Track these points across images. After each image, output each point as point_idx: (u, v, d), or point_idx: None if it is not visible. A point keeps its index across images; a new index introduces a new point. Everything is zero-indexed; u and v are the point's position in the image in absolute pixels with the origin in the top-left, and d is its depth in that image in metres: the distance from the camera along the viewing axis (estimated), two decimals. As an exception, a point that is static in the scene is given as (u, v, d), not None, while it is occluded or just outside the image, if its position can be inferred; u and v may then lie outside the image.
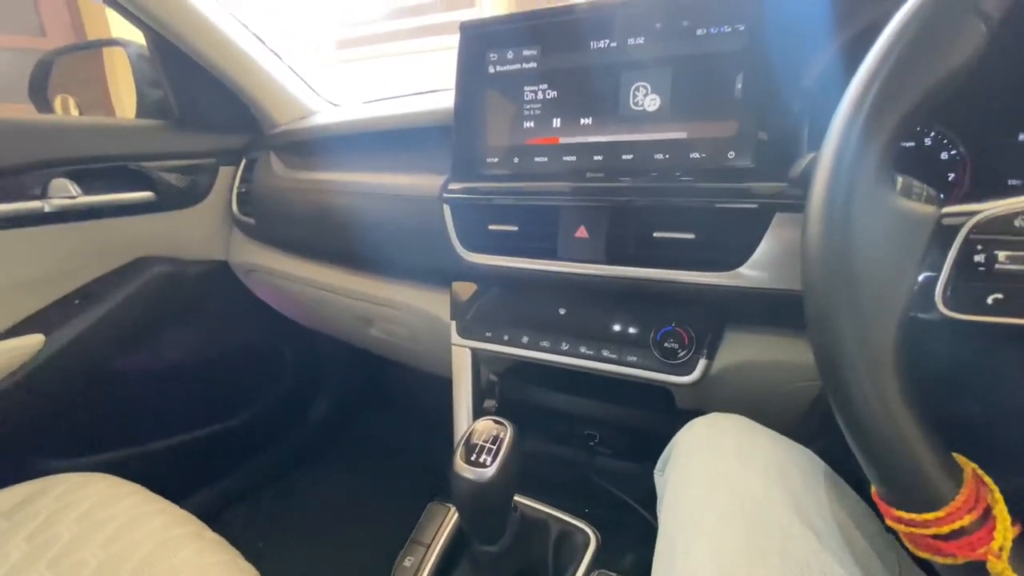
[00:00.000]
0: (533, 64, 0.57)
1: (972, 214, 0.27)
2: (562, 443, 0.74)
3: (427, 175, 0.68)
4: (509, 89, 0.58)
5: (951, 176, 0.47)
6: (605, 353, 0.58)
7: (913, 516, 0.26)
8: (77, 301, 0.87)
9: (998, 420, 0.34)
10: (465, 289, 0.69)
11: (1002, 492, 0.26)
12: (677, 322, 0.55)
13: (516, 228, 0.60)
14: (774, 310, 0.50)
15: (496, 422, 0.49)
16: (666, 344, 0.55)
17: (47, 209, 0.79)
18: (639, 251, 0.53)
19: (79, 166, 0.83)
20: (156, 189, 0.90)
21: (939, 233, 0.28)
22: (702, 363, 0.54)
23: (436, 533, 0.58)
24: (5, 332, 0.80)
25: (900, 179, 0.29)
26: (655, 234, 0.52)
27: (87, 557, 0.53)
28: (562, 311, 0.62)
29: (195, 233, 0.99)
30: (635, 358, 0.57)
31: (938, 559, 0.26)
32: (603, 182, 0.54)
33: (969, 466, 0.27)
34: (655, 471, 0.48)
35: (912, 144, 0.48)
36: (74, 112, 1.00)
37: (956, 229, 0.28)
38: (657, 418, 0.64)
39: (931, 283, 0.28)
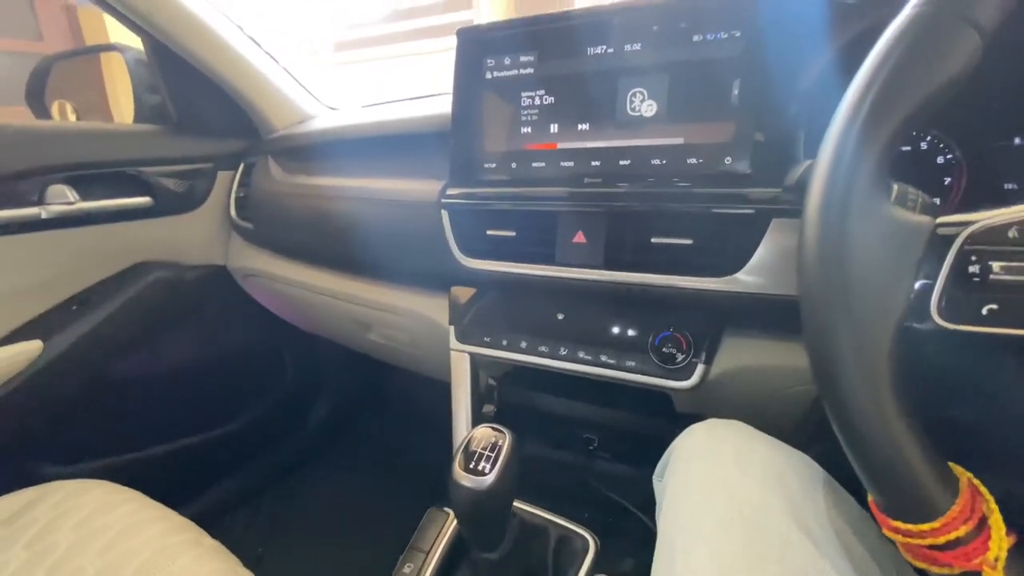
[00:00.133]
0: (530, 70, 0.57)
1: (967, 224, 0.28)
2: (561, 447, 0.74)
3: (425, 180, 0.68)
4: (507, 95, 0.58)
5: (947, 180, 0.47)
6: (603, 358, 0.58)
7: (909, 526, 0.26)
8: (75, 307, 0.86)
9: (993, 427, 0.34)
10: (464, 294, 0.69)
11: (997, 499, 0.26)
12: (675, 327, 0.55)
13: (514, 233, 0.60)
14: (772, 315, 0.50)
15: (495, 429, 0.49)
16: (664, 349, 0.55)
17: (45, 215, 0.79)
18: (637, 256, 0.53)
19: (77, 172, 0.83)
20: (154, 194, 0.90)
21: (934, 243, 0.28)
22: (700, 368, 0.54)
23: (435, 539, 0.58)
24: (3, 339, 0.80)
25: (895, 187, 0.29)
26: (653, 239, 0.52)
27: (84, 565, 0.53)
28: (560, 316, 0.62)
29: (193, 238, 0.99)
30: (633, 363, 0.57)
31: (934, 569, 0.26)
32: (601, 187, 0.54)
33: (965, 476, 0.27)
34: (654, 477, 0.48)
35: (908, 148, 0.48)
36: (71, 117, 1.00)
37: (951, 239, 0.28)
38: (656, 422, 0.64)
39: (926, 292, 0.28)
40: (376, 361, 1.02)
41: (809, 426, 0.54)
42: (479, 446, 0.47)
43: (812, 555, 0.32)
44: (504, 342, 0.64)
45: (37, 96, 1.01)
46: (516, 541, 0.51)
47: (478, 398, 0.70)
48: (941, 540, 0.25)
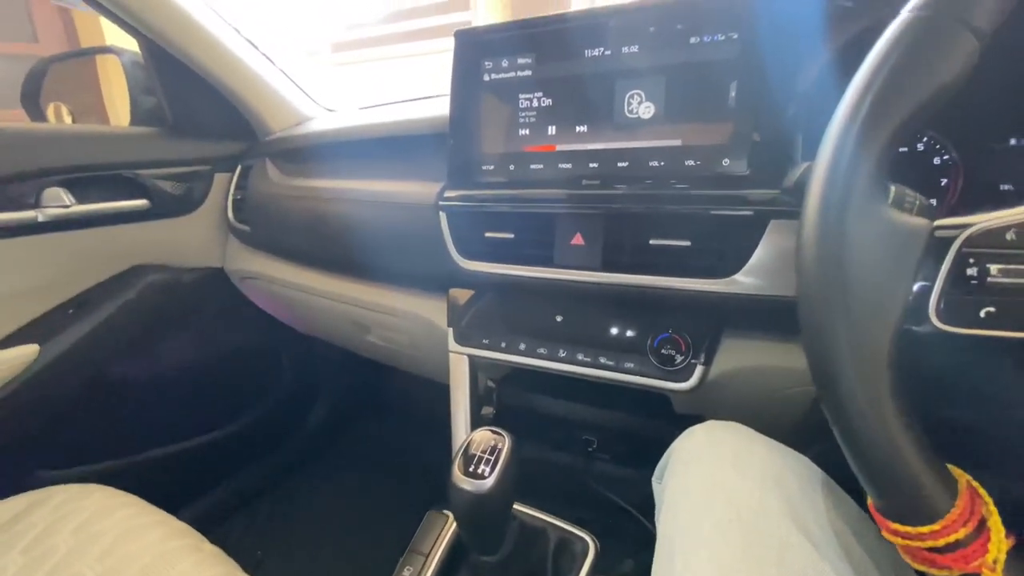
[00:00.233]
0: (528, 72, 0.57)
1: (964, 227, 0.28)
2: (560, 449, 0.74)
3: (423, 182, 0.68)
4: (504, 97, 0.58)
5: (943, 181, 0.47)
6: (602, 360, 0.58)
7: (908, 529, 0.26)
8: (72, 310, 0.86)
9: (992, 428, 0.34)
10: (462, 296, 0.69)
11: (996, 500, 0.26)
12: (674, 329, 0.55)
13: (512, 235, 0.60)
14: (770, 316, 0.50)
15: (494, 432, 0.49)
16: (663, 351, 0.55)
17: (41, 218, 0.78)
18: (635, 258, 0.53)
19: (73, 175, 0.82)
20: (151, 197, 0.90)
21: (932, 245, 0.28)
22: (699, 369, 0.54)
23: (435, 542, 0.57)
24: (0, 342, 0.79)
25: (893, 189, 0.29)
26: (651, 241, 0.52)
27: (83, 570, 0.53)
28: (559, 318, 0.62)
29: (191, 240, 0.98)
30: (632, 365, 0.57)
31: (933, 571, 0.26)
32: (599, 189, 0.54)
33: (964, 478, 0.27)
34: (653, 479, 0.48)
35: (905, 149, 0.48)
36: (67, 120, 0.99)
37: (949, 242, 0.28)
38: (655, 423, 0.64)
39: (924, 295, 0.28)
40: (374, 363, 1.02)
41: (809, 426, 0.54)
42: (478, 449, 0.47)
43: (811, 557, 0.32)
44: (503, 344, 0.64)
45: (33, 98, 1.01)
46: (516, 544, 0.51)
47: (477, 400, 0.70)
48: (940, 542, 0.25)
